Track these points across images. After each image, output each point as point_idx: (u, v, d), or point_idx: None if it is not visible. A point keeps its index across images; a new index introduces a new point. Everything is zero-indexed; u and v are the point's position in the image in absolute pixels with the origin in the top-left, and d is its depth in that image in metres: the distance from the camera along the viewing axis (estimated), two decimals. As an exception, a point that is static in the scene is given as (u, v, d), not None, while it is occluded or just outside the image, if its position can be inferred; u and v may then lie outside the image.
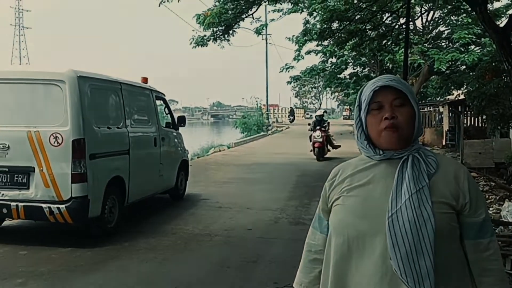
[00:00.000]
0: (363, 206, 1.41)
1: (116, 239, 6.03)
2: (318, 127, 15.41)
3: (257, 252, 5.57)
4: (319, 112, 17.00)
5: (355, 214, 1.42)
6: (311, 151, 15.71)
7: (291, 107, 65.84)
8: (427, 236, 1.29)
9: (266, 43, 40.08)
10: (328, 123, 16.28)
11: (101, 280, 4.65)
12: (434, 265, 1.28)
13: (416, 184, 1.34)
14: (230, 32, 12.71)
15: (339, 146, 16.46)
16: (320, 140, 15.34)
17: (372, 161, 1.46)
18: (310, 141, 15.77)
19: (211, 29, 12.54)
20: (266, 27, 18.36)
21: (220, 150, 19.87)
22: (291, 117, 57.12)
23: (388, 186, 1.38)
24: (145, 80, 8.21)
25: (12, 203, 5.59)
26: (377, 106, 1.43)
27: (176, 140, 8.86)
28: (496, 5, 17.72)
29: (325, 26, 14.53)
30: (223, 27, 12.54)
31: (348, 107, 63.76)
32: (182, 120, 9.04)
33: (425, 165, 1.39)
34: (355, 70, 26.39)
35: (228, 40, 13.02)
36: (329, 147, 16.08)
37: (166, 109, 9.12)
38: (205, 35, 13.15)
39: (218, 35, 12.73)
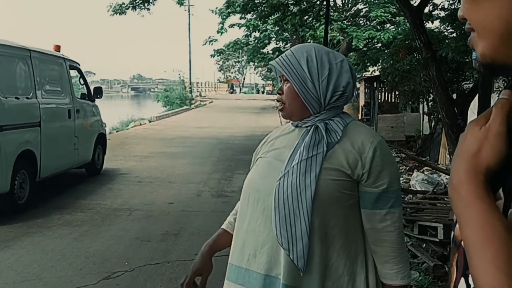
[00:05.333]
0: (267, 167, 1.46)
1: (28, 215, 5.71)
2: None
3: (179, 225, 5.52)
4: None
5: (260, 174, 1.47)
6: None
7: (232, 82, 78.70)
8: (305, 202, 1.32)
9: (189, 14, 39.27)
10: None
11: (11, 258, 4.39)
12: (309, 230, 1.31)
13: (310, 151, 1.36)
14: (150, 0, 12.21)
15: None
16: None
17: (293, 127, 1.50)
18: None
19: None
20: (188, -2, 17.86)
21: (140, 124, 19.33)
22: (231, 90, 72.14)
23: (291, 151, 1.43)
24: (57, 48, 7.71)
25: None
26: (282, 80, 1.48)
27: (92, 112, 8.47)
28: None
29: (248, -2, 14.40)
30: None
31: (271, 82, 64.40)
32: (98, 91, 8.63)
33: (328, 134, 1.40)
34: (278, 45, 26.56)
35: (149, 9, 12.53)
36: None
37: (81, 80, 8.64)
38: (123, 3, 12.55)
39: (137, 3, 12.18)
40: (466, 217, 0.60)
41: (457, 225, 0.68)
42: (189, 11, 38.72)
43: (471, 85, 8.81)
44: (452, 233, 0.72)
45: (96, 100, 8.67)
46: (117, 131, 16.81)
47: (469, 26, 0.66)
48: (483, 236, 0.57)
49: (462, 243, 0.63)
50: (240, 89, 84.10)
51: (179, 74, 38.75)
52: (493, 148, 0.60)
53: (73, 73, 8.34)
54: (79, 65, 8.37)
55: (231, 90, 72.12)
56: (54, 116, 6.97)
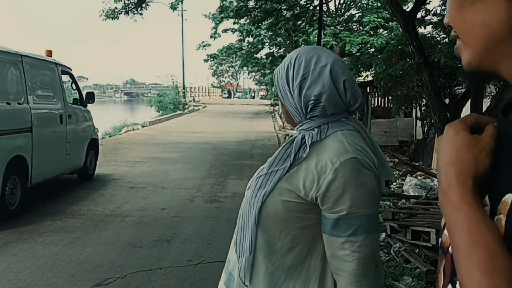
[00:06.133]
0: (256, 176, 1.45)
1: (19, 221, 5.65)
2: None
3: (172, 231, 5.48)
4: None
5: (250, 184, 1.47)
6: None
7: (228, 88, 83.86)
8: (252, 218, 1.32)
9: (182, 18, 39.27)
10: None
11: (2, 265, 4.34)
12: (253, 246, 1.32)
13: (272, 166, 1.32)
14: (143, 5, 12.21)
15: None
16: None
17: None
18: None
19: (123, 0, 11.96)
20: (181, 2, 17.87)
21: (133, 129, 19.26)
22: (227, 94, 78.18)
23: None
24: (49, 53, 7.68)
25: None
26: None
27: (84, 117, 8.43)
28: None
29: (242, 3, 14.46)
30: (136, -1, 12.03)
31: (264, 87, 64.47)
32: (90, 97, 8.59)
33: (300, 148, 1.31)
34: (271, 50, 26.63)
35: (141, 14, 12.53)
36: None
37: (73, 85, 8.61)
38: (116, 8, 12.54)
39: (130, 8, 12.17)
40: (454, 222, 0.60)
41: (445, 231, 0.69)
42: (182, 16, 38.73)
43: (463, 90, 8.85)
44: (440, 239, 0.72)
45: (89, 105, 8.63)
46: (109, 136, 16.74)
47: (455, 33, 0.66)
48: (469, 241, 0.57)
49: (450, 249, 0.63)
50: (234, 94, 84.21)
51: (173, 79, 38.65)
52: (487, 157, 0.62)
53: (65, 78, 8.30)
54: (71, 70, 8.34)
55: (227, 95, 76.68)
56: (45, 122, 6.92)
